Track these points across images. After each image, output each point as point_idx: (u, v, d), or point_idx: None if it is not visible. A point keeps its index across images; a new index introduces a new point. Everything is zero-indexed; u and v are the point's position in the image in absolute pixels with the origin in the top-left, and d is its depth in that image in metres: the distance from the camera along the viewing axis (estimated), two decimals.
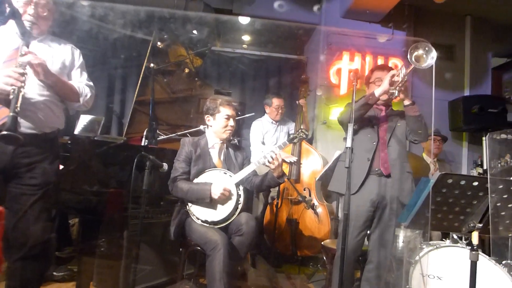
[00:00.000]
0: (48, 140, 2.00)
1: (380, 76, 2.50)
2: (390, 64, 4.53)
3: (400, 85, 2.24)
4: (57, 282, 2.76)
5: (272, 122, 4.08)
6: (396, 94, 2.27)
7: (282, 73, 5.34)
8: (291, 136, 2.69)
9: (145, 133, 3.37)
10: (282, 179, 2.54)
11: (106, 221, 2.49)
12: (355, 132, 2.46)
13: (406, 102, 2.37)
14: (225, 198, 2.39)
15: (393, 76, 2.23)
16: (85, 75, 2.20)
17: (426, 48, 2.05)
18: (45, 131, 1.97)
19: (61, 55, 2.09)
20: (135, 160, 2.21)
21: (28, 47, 1.81)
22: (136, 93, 3.62)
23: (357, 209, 2.37)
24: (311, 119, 4.60)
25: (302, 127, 3.70)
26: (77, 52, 2.19)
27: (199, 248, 2.37)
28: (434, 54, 2.03)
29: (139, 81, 3.57)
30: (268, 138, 4.04)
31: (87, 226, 2.57)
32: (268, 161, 2.44)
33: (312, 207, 3.57)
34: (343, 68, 4.46)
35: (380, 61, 4.56)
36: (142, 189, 2.22)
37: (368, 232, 2.52)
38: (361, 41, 4.57)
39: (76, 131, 3.59)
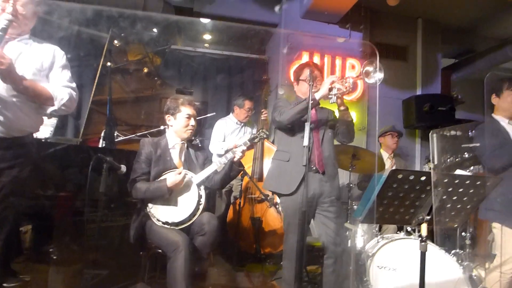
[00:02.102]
0: (19, 145, 1.88)
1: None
2: (347, 64, 4.70)
3: (340, 93, 2.34)
4: None
5: (237, 123, 4.08)
6: (334, 100, 2.37)
7: (244, 72, 5.36)
8: (252, 136, 2.73)
9: (102, 134, 3.27)
10: (242, 167, 2.64)
11: (60, 227, 2.40)
12: (292, 134, 2.56)
13: (342, 108, 2.49)
14: (183, 182, 2.38)
15: (332, 82, 2.33)
16: (66, 75, 2.08)
17: (377, 68, 2.18)
18: (14, 134, 1.85)
19: (40, 56, 1.98)
20: (91, 162, 2.14)
21: None
22: (92, 92, 3.49)
23: (298, 206, 2.39)
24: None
25: (263, 128, 3.76)
26: (60, 53, 2.08)
27: (160, 250, 2.34)
28: (381, 76, 2.17)
29: (96, 80, 3.45)
30: (232, 138, 4.03)
31: (40, 233, 2.46)
32: (238, 156, 2.51)
33: (275, 205, 3.62)
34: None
35: (339, 61, 4.71)
36: (99, 192, 2.17)
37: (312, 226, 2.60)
38: (320, 41, 4.70)
39: None
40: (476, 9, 5.06)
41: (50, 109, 2.01)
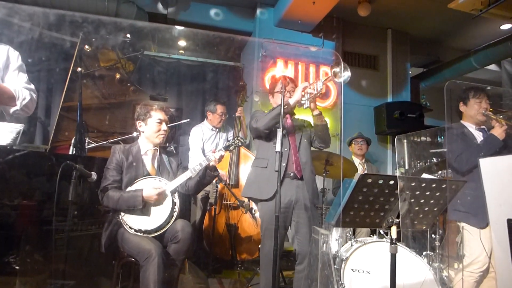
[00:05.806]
0: None
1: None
2: (320, 72, 4.81)
3: (312, 97, 2.42)
4: None
5: (212, 129, 4.05)
6: (307, 105, 2.44)
7: (219, 79, 5.36)
8: (227, 143, 2.72)
9: (73, 141, 3.17)
10: (216, 172, 2.61)
11: (27, 237, 2.30)
12: (269, 141, 2.62)
13: (315, 112, 2.55)
14: (160, 198, 2.35)
15: (305, 87, 2.41)
16: (23, 77, 2.03)
17: (343, 68, 2.30)
18: None
19: None
20: (60, 170, 2.08)
21: None
22: (62, 98, 3.40)
23: (276, 211, 2.44)
24: (248, 125, 4.67)
25: (240, 135, 3.76)
26: (14, 54, 2.02)
27: (132, 259, 2.29)
28: (348, 74, 2.31)
29: (66, 86, 3.35)
30: (208, 145, 4.00)
31: (5, 243, 2.35)
32: (214, 162, 2.51)
33: (250, 211, 3.62)
34: (277, 75, 4.61)
35: (312, 69, 4.80)
36: (68, 200, 2.10)
37: (289, 233, 2.63)
38: (294, 50, 4.78)
39: None
40: (443, 22, 5.31)
41: (12, 110, 1.95)
